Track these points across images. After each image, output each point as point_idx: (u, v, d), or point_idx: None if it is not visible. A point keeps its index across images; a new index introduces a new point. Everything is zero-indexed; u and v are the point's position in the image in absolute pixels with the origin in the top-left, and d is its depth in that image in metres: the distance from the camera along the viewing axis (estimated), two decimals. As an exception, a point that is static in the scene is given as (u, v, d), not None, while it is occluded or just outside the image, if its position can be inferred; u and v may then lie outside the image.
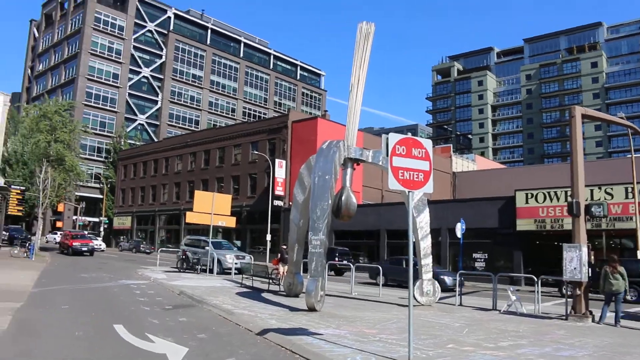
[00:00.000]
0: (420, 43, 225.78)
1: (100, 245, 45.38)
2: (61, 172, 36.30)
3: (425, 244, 14.27)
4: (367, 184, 42.52)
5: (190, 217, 23.45)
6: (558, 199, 26.83)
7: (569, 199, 13.42)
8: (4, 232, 43.68)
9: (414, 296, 12.30)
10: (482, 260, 29.60)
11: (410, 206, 7.86)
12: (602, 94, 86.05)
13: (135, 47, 71.44)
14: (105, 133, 67.02)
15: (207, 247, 24.50)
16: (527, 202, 28.04)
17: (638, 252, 21.90)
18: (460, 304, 15.23)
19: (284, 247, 18.00)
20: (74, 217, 61.08)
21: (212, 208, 22.70)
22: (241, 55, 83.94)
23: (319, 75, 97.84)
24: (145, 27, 73.17)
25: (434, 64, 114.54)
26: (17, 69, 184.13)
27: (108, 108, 67.59)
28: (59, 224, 61.94)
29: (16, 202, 35.94)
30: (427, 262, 14.36)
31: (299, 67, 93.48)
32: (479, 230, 29.30)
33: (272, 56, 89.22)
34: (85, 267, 24.65)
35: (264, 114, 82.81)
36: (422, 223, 14.23)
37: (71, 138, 38.40)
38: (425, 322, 11.07)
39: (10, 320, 9.10)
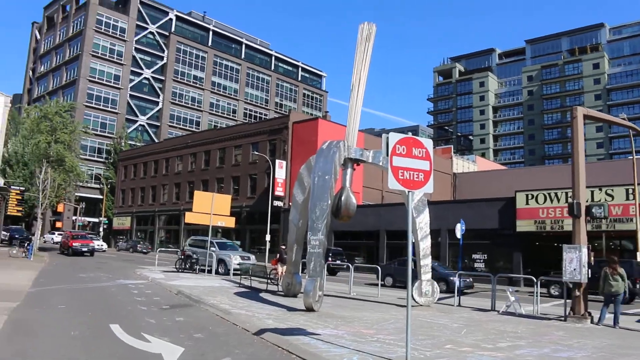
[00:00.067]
0: (422, 44, 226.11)
1: (101, 245, 45.32)
2: (61, 173, 36.29)
3: (425, 245, 14.26)
4: (367, 184, 42.48)
5: (190, 218, 23.42)
6: (558, 200, 26.80)
7: (570, 200, 13.39)
8: (4, 232, 43.75)
9: (412, 296, 12.32)
10: (482, 261, 29.59)
11: (410, 206, 7.79)
12: (604, 96, 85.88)
13: (136, 49, 71.58)
14: (106, 134, 67.11)
15: (212, 248, 24.78)
16: (527, 203, 27.99)
17: (638, 253, 21.83)
18: (459, 305, 15.19)
19: (283, 247, 17.97)
20: (74, 218, 61.18)
21: (211, 208, 22.70)
22: (242, 56, 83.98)
23: (320, 76, 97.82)
24: (146, 28, 73.32)
25: (435, 65, 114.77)
26: (18, 70, 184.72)
27: (109, 109, 67.71)
28: (58, 224, 62.08)
29: (15, 202, 35.99)
30: (426, 262, 14.37)
31: (300, 69, 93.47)
32: (478, 231, 29.24)
33: (273, 57, 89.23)
34: (83, 267, 24.61)
35: (265, 115, 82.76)
36: (421, 224, 14.22)
37: (71, 139, 38.37)
38: (424, 323, 11.02)
39: (6, 320, 9.06)
